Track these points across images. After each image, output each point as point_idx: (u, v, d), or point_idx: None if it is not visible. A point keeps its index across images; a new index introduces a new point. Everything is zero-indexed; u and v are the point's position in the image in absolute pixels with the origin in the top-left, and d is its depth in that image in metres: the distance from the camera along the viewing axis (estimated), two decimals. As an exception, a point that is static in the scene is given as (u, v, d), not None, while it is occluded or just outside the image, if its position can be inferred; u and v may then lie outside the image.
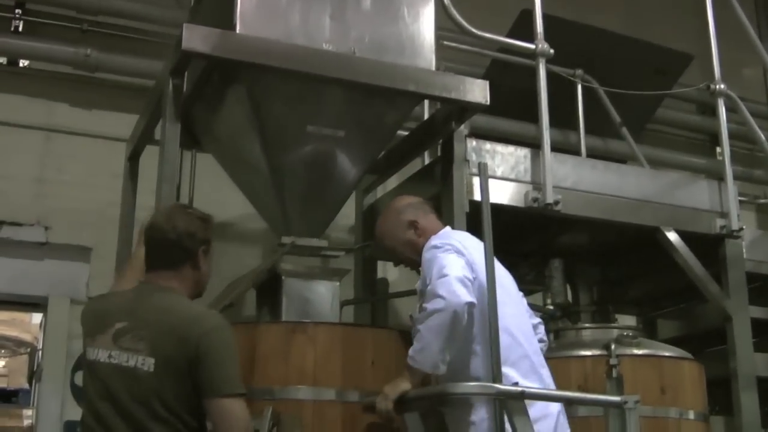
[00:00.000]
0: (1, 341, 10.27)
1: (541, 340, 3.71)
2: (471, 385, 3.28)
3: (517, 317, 3.55)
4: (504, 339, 3.26)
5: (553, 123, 4.69)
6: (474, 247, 3.54)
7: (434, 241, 3.55)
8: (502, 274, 3.51)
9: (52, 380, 5.31)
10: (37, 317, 8.23)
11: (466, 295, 3.25)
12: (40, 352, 6.25)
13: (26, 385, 9.42)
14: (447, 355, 3.27)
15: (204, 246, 3.08)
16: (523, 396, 3.10)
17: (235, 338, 2.92)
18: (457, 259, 3.38)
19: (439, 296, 3.24)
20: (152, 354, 2.81)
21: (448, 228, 3.78)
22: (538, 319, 3.80)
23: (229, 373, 2.81)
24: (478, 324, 3.37)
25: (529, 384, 3.33)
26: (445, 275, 3.29)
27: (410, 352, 3.30)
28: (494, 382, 3.13)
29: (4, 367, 10.68)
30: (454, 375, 3.36)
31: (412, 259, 3.74)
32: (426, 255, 3.51)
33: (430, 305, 3.26)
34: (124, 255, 4.49)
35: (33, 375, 8.18)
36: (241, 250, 5.62)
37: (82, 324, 3.09)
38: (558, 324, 5.01)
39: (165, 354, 2.80)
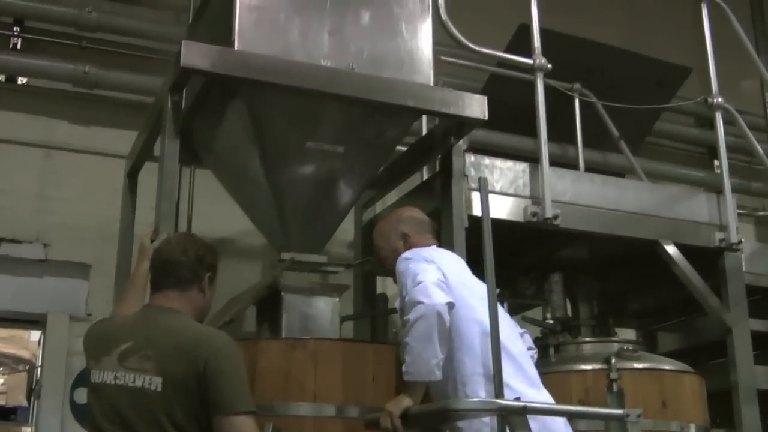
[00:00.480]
0: (0, 358, 10.25)
1: (530, 348, 3.78)
2: (474, 402, 3.27)
3: (501, 324, 3.57)
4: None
5: (552, 137, 4.69)
6: (446, 258, 3.64)
7: (406, 254, 3.63)
8: (480, 287, 3.54)
9: (52, 397, 5.29)
10: (35, 334, 8.22)
11: (444, 297, 3.32)
12: (39, 369, 6.23)
13: (25, 403, 9.40)
14: (440, 359, 3.30)
15: (210, 273, 3.15)
16: (525, 411, 3.09)
17: (241, 353, 2.94)
18: (428, 266, 3.45)
19: (419, 302, 3.29)
20: (159, 373, 2.81)
21: (431, 248, 3.80)
22: (523, 329, 3.87)
23: (239, 392, 2.83)
24: (456, 330, 3.42)
25: (519, 383, 3.38)
26: (419, 282, 3.35)
27: (404, 367, 3.32)
28: (496, 397, 3.13)
29: (2, 384, 10.67)
30: (441, 385, 3.39)
31: (393, 268, 3.75)
32: (399, 267, 3.58)
33: (412, 314, 3.29)
34: (124, 271, 4.49)
35: (31, 392, 8.17)
36: (241, 266, 5.61)
37: (85, 348, 3.09)
38: (558, 338, 5.00)
39: (172, 373, 2.80)
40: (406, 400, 3.29)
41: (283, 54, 3.91)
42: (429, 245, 3.79)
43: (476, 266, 3.65)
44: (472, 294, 3.51)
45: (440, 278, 3.39)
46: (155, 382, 2.80)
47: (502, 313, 3.66)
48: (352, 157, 4.18)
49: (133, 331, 2.97)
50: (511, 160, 4.73)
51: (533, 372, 3.57)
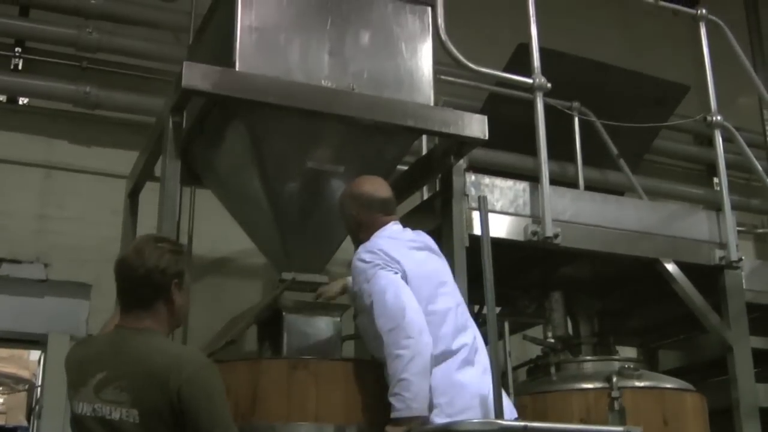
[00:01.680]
0: (0, 378, 10.25)
1: None
2: (475, 423, 3.26)
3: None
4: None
5: (551, 155, 4.69)
6: (393, 245, 3.63)
7: (363, 254, 3.61)
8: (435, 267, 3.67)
9: (52, 417, 5.29)
10: (35, 354, 8.22)
11: (427, 331, 3.36)
12: (39, 389, 6.23)
13: (25, 422, 9.39)
14: None
15: (177, 279, 2.96)
16: (525, 430, 3.10)
17: (217, 374, 2.85)
18: (394, 278, 3.48)
19: (411, 338, 3.32)
20: (135, 405, 2.73)
21: (379, 231, 3.78)
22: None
23: (217, 417, 2.74)
24: None
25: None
26: (402, 308, 3.38)
27: (403, 404, 3.28)
28: (496, 417, 3.14)
29: (2, 404, 10.65)
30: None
31: (353, 238, 3.88)
32: (357, 265, 3.59)
33: (405, 351, 3.31)
34: (125, 292, 4.48)
35: (31, 412, 8.16)
36: (242, 286, 5.62)
37: (67, 373, 3.01)
38: (559, 357, 4.99)
39: (148, 404, 2.72)
40: (407, 422, 3.29)
41: (283, 75, 3.92)
42: (382, 225, 3.79)
43: (477, 285, 3.66)
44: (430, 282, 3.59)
45: (412, 298, 3.41)
46: (132, 415, 2.72)
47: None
48: (353, 176, 4.19)
49: (107, 358, 2.87)
50: (511, 180, 4.73)
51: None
